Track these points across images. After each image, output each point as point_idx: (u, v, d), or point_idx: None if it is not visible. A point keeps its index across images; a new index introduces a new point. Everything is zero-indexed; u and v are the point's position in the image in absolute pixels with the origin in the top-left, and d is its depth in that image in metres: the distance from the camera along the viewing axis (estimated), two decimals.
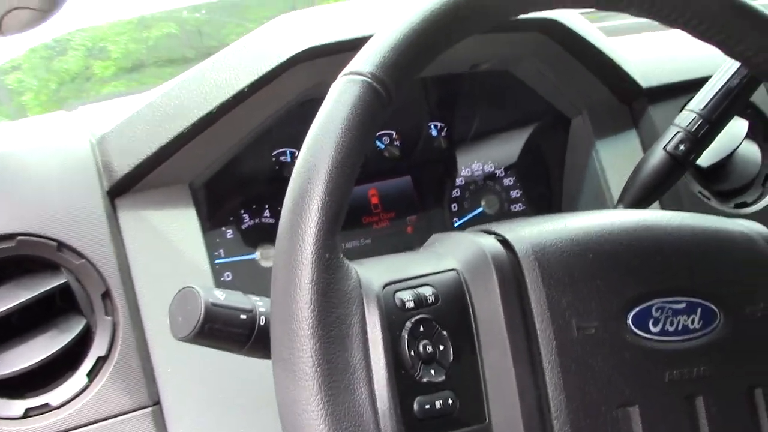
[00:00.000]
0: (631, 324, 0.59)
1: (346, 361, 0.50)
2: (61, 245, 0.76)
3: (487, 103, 1.08)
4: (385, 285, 0.55)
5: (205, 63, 0.82)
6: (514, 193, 1.13)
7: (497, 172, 1.12)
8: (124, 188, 0.81)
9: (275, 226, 0.98)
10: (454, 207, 1.09)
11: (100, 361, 0.76)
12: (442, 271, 0.59)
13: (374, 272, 0.56)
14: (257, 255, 0.98)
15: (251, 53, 0.80)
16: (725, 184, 1.06)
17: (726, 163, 1.05)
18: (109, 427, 0.75)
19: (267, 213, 1.00)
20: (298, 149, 1.03)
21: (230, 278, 0.96)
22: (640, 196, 0.90)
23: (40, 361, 0.73)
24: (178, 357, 0.79)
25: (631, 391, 0.57)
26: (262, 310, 0.62)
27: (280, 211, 0.98)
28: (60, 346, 0.74)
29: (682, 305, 0.60)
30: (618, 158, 1.03)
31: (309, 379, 0.49)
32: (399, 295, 0.56)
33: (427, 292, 0.56)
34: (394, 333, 0.54)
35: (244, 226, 0.98)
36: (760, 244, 0.65)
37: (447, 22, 0.58)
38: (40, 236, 0.75)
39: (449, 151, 1.10)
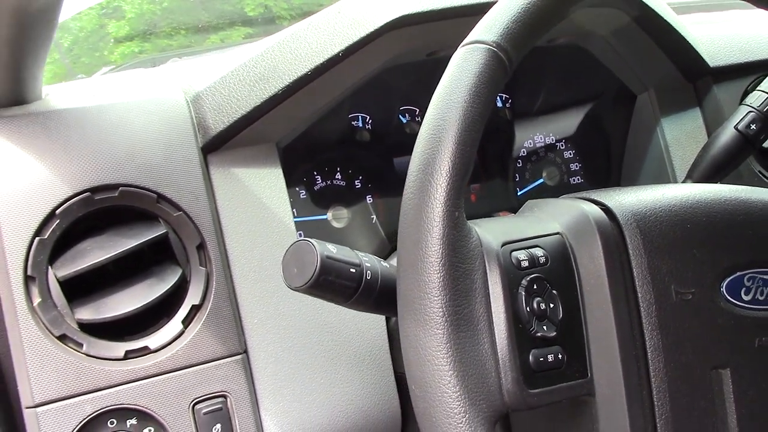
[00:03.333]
0: (724, 292, 0.62)
1: (471, 313, 0.54)
2: (160, 197, 0.79)
3: (555, 77, 1.10)
4: (503, 244, 0.59)
5: (299, 26, 0.85)
6: (574, 166, 1.15)
7: (559, 144, 1.15)
8: (217, 145, 0.84)
9: (346, 188, 1.02)
10: (516, 177, 1.12)
11: (194, 309, 0.79)
12: (549, 234, 0.62)
13: (491, 232, 0.59)
14: (329, 216, 1.01)
15: (347, 19, 0.83)
16: None
17: None
18: (202, 371, 0.78)
19: (338, 176, 1.03)
20: (371, 115, 1.06)
21: (302, 237, 1.00)
22: (708, 172, 0.93)
23: (141, 306, 0.76)
24: (264, 308, 0.82)
25: (724, 355, 0.61)
26: (368, 264, 0.65)
27: (351, 174, 1.02)
28: (158, 294, 0.77)
29: None
30: (681, 135, 1.05)
31: (439, 328, 0.52)
32: (515, 254, 0.59)
33: (539, 253, 0.60)
34: (513, 289, 0.57)
35: (316, 187, 1.01)
36: None
37: None
38: (142, 188, 0.79)
39: (512, 122, 1.13)
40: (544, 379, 0.57)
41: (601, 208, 0.63)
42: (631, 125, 1.10)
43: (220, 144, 0.84)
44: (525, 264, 0.58)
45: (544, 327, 0.58)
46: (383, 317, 0.88)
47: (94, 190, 0.77)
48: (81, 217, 0.77)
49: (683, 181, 0.94)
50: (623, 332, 0.59)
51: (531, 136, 1.14)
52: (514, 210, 0.99)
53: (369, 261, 0.66)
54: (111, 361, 0.76)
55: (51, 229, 0.75)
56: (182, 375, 0.78)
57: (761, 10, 0.76)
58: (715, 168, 0.93)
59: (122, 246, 0.77)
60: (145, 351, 0.77)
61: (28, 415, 0.74)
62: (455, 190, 0.54)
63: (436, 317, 0.52)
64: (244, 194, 0.84)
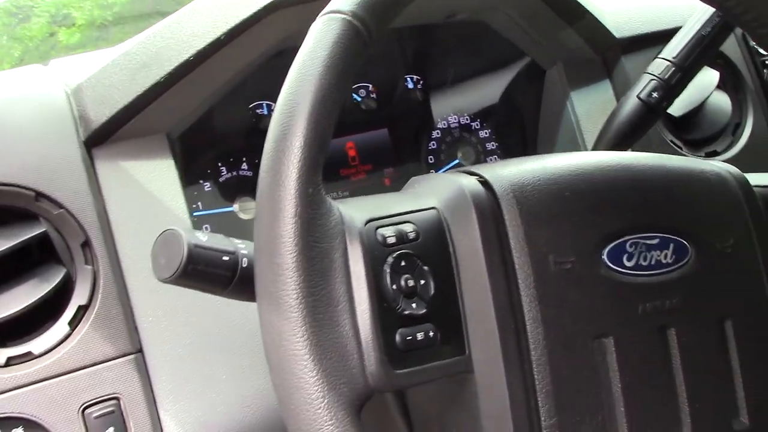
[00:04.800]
0: (606, 259, 0.60)
1: (329, 294, 0.51)
2: (39, 195, 0.76)
3: (462, 55, 1.08)
4: (367, 221, 0.56)
5: (182, 11, 0.82)
6: (490, 145, 1.14)
7: (473, 124, 1.13)
8: (101, 138, 0.81)
9: (253, 179, 0.99)
10: (431, 159, 1.10)
11: (81, 310, 0.76)
12: (423, 209, 0.60)
13: (356, 210, 0.57)
14: (236, 207, 0.98)
15: (228, 1, 0.80)
16: (696, 133, 1.08)
17: (697, 112, 1.07)
18: (92, 374, 0.75)
19: (244, 166, 1.00)
20: (275, 102, 1.03)
21: (209, 231, 0.97)
22: (613, 143, 0.91)
23: (21, 309, 0.73)
24: (158, 304, 0.79)
25: (606, 323, 0.59)
26: (244, 252, 0.62)
27: (257, 164, 0.99)
28: (41, 295, 0.74)
29: (656, 241, 0.62)
30: (592, 108, 1.04)
31: (294, 311, 0.49)
32: (381, 231, 0.56)
33: (408, 228, 0.57)
34: (377, 267, 0.55)
35: (221, 179, 0.98)
36: (731, 183, 0.67)
37: None
38: (18, 186, 0.75)
39: (425, 103, 1.11)
40: (413, 358, 0.55)
41: (480, 181, 0.61)
42: (542, 100, 1.09)
43: (105, 137, 0.81)
44: (392, 240, 0.56)
45: (413, 305, 0.56)
46: None
47: None
48: None
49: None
50: (500, 305, 0.57)
51: (445, 117, 1.12)
52: None
53: (246, 248, 0.63)
54: None
55: None
56: (70, 379, 0.74)
57: None
58: (620, 138, 0.92)
59: None
60: (28, 356, 0.74)
61: None
62: (309, 167, 0.51)
63: (290, 300, 0.50)
64: (132, 188, 0.81)
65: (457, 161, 1.12)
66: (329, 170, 1.04)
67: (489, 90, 1.12)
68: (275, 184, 0.51)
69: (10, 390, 0.72)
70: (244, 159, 0.99)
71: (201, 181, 0.97)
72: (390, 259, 0.56)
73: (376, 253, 0.55)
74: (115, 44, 1.59)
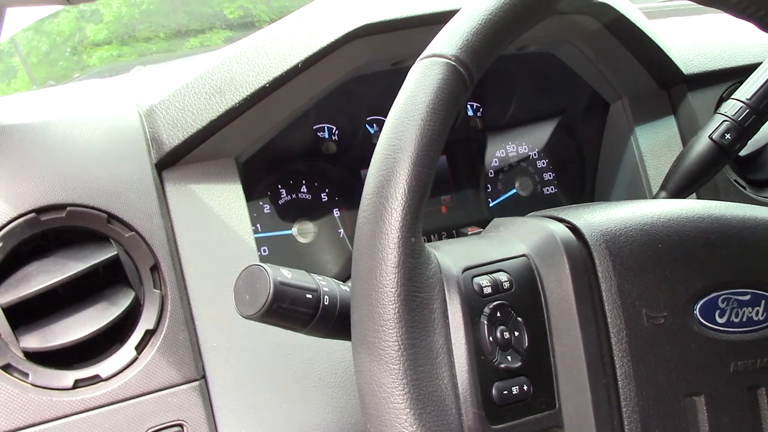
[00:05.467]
0: (698, 314, 0.59)
1: (429, 346, 0.50)
2: (111, 217, 0.75)
3: (526, 85, 1.07)
4: (465, 270, 0.55)
5: (257, 36, 0.81)
6: (547, 176, 1.12)
7: (531, 154, 1.12)
8: (172, 161, 0.80)
9: (312, 202, 0.99)
10: (488, 188, 1.09)
11: (148, 334, 0.76)
12: (514, 257, 0.59)
13: (451, 257, 0.56)
14: (294, 231, 0.98)
15: (306, 28, 0.79)
16: (760, 174, 1.06)
17: (761, 152, 1.05)
18: (156, 399, 0.74)
19: (304, 189, 0.99)
20: (337, 126, 1.03)
21: (266, 253, 0.96)
22: (683, 183, 0.90)
23: (91, 333, 0.73)
24: (223, 331, 0.79)
25: (698, 381, 0.58)
26: (325, 289, 0.61)
27: (316, 187, 0.99)
28: (110, 319, 0.73)
29: (747, 297, 0.61)
30: (656, 144, 1.03)
31: (395, 363, 0.49)
32: (477, 280, 0.55)
33: (503, 278, 0.56)
34: (474, 318, 0.54)
35: (281, 201, 0.98)
36: None
37: (525, 6, 0.57)
38: (91, 207, 0.75)
39: (484, 131, 1.10)
40: (509, 413, 0.54)
41: (569, 227, 0.60)
42: (604, 134, 1.07)
43: (176, 160, 0.81)
44: (488, 291, 0.55)
45: (509, 357, 0.55)
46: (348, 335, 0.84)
47: (40, 210, 0.73)
48: (26, 239, 0.73)
49: (657, 193, 0.91)
50: (592, 359, 0.56)
51: (503, 146, 1.11)
52: (486, 222, 0.97)
53: (327, 285, 0.62)
54: (59, 391, 0.72)
55: None
56: (135, 404, 0.74)
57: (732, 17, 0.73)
58: (689, 179, 0.90)
59: (70, 269, 0.73)
60: (96, 379, 0.73)
61: None
62: (412, 215, 0.51)
63: (391, 351, 0.49)
64: (201, 212, 0.81)
65: (514, 191, 1.11)
66: None
67: (549, 121, 1.11)
68: (377, 232, 0.50)
69: (78, 413, 0.72)
70: (303, 182, 0.99)
71: (261, 203, 0.96)
72: (487, 310, 0.55)
73: (473, 304, 0.54)
74: (141, 42, 1.60)
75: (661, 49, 0.99)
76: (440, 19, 0.79)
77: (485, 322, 0.54)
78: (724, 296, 0.60)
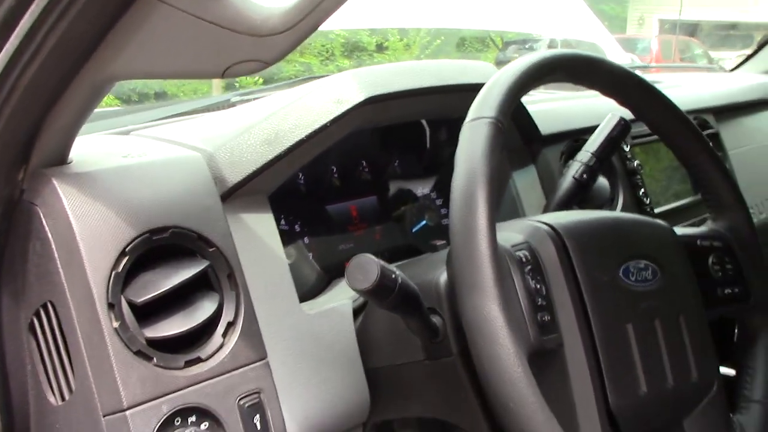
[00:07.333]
0: (621, 275, 0.99)
1: (507, 286, 0.84)
2: (200, 236, 0.99)
3: (433, 144, 1.45)
4: (512, 246, 0.90)
5: (296, 101, 1.10)
6: (444, 210, 1.50)
7: (432, 194, 1.49)
8: (229, 194, 1.05)
9: (287, 233, 1.26)
10: (408, 219, 1.44)
11: (230, 326, 0.99)
12: (522, 243, 0.94)
13: (502, 241, 0.90)
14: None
15: (329, 95, 1.10)
16: (589, 204, 1.53)
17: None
18: (242, 374, 0.98)
19: (282, 221, 1.26)
20: (336, 165, 1.31)
21: None
22: (559, 207, 1.33)
23: (195, 325, 0.94)
24: (274, 322, 1.04)
25: (628, 315, 0.97)
26: (399, 272, 0.92)
27: (292, 221, 1.26)
28: (208, 315, 0.96)
29: (642, 265, 1.02)
30: (526, 185, 1.45)
31: (494, 303, 0.80)
32: (517, 253, 0.90)
33: (527, 253, 0.92)
34: (525, 277, 0.88)
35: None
36: (669, 230, 1.09)
37: (536, 74, 0.94)
38: (187, 229, 0.97)
39: (403, 178, 1.45)
40: (542, 330, 0.89)
41: (548, 226, 0.97)
42: None
43: (231, 194, 1.06)
44: (524, 260, 0.91)
45: (539, 298, 0.90)
46: (351, 325, 1.13)
47: (152, 231, 0.95)
48: (143, 253, 0.94)
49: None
50: (574, 301, 0.93)
51: (415, 188, 1.47)
52: (410, 245, 1.33)
53: (398, 270, 0.92)
54: (175, 370, 0.93)
55: (122, 264, 0.91)
56: (228, 377, 0.97)
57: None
58: (561, 205, 1.33)
59: (180, 277, 0.95)
60: (198, 360, 0.95)
61: (113, 420, 0.88)
62: (493, 228, 0.83)
63: (490, 290, 0.81)
64: (250, 233, 1.06)
65: (424, 222, 1.46)
66: (340, 227, 1.33)
67: (447, 168, 1.49)
68: (470, 242, 0.82)
69: (189, 386, 0.93)
70: (281, 216, 1.26)
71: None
72: (527, 269, 0.90)
73: (518, 266, 0.89)
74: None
75: (530, 115, 1.41)
76: (426, 92, 1.15)
77: (529, 277, 0.89)
78: (632, 264, 1.01)
